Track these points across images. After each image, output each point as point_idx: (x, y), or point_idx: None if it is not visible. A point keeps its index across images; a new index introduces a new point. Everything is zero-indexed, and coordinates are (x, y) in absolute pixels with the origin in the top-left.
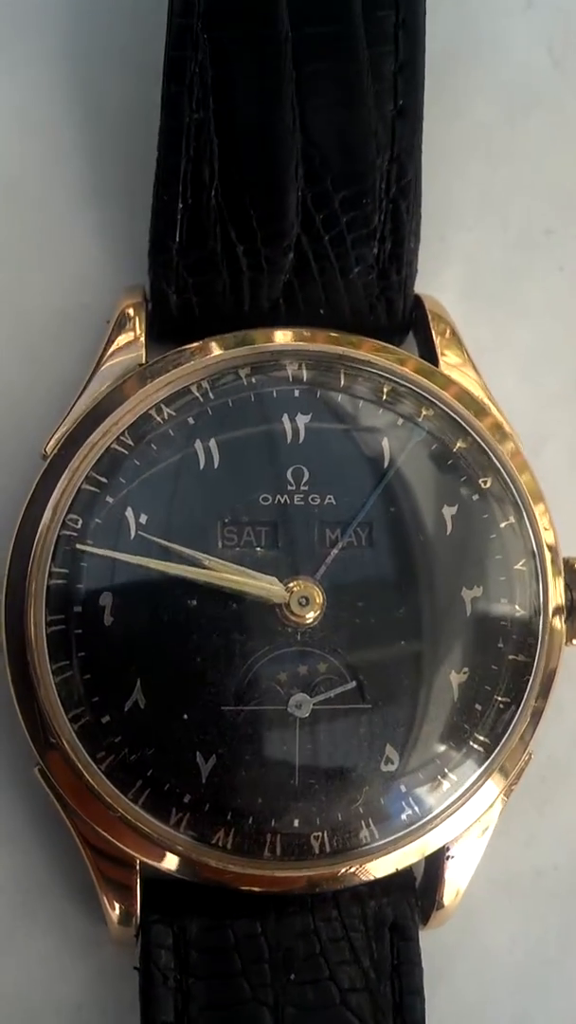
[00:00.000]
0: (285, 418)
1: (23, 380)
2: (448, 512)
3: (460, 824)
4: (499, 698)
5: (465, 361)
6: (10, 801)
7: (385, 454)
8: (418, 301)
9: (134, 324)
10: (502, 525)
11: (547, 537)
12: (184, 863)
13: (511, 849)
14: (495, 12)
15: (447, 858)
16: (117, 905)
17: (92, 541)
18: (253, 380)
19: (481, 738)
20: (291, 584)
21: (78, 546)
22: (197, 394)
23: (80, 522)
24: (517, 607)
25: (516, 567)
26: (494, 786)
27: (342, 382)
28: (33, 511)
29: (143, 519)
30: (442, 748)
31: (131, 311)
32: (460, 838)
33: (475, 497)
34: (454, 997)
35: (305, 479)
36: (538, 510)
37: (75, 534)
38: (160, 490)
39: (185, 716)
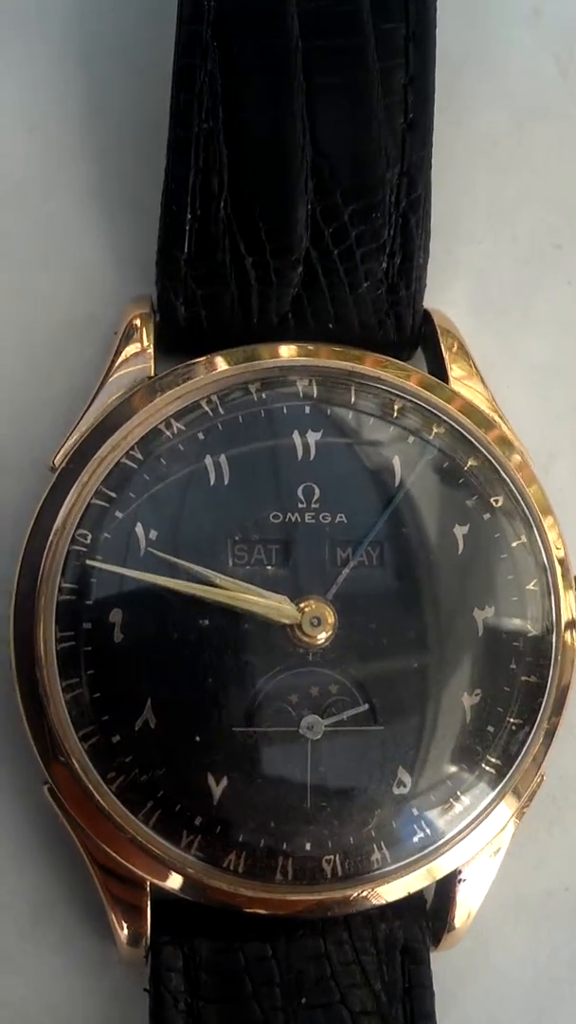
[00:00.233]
0: (295, 435)
1: (28, 389)
2: (459, 531)
3: (472, 847)
4: (511, 720)
5: (473, 375)
6: (19, 820)
7: (396, 472)
8: (427, 316)
9: (141, 335)
10: (514, 544)
11: (557, 553)
12: (194, 886)
13: (521, 870)
14: (502, 22)
15: (459, 881)
16: (126, 926)
17: (101, 556)
18: (263, 396)
19: (493, 760)
20: (303, 604)
21: (88, 562)
22: (207, 409)
23: (89, 537)
24: (529, 627)
25: (528, 587)
26: (506, 808)
27: (352, 399)
28: (42, 525)
29: (153, 535)
30: (454, 770)
31: (138, 322)
32: (472, 861)
33: (486, 516)
34: (465, 1019)
35: (316, 497)
36: (547, 524)
37: (84, 549)
38: (170, 506)
39: (196, 737)
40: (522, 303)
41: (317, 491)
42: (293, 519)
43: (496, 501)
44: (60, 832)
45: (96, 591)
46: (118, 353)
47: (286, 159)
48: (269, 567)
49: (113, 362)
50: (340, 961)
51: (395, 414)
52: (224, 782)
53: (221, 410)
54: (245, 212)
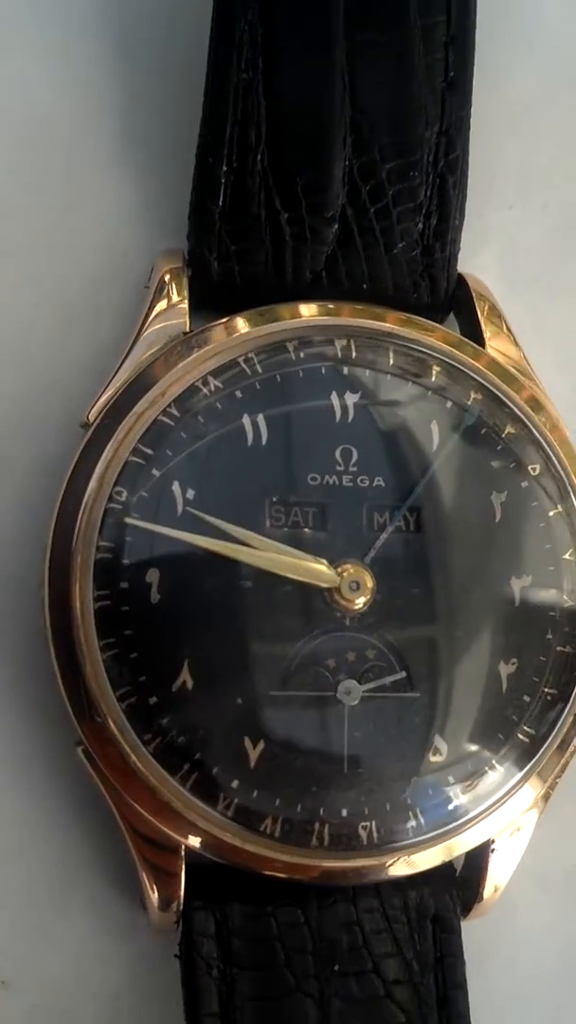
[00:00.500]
0: (334, 396)
1: (56, 344)
2: (497, 499)
3: (506, 816)
4: (546, 690)
5: (506, 335)
6: (48, 784)
7: (434, 437)
8: (461, 280)
9: (177, 290)
10: (551, 514)
11: None
12: (231, 850)
13: (546, 842)
14: None
15: (492, 850)
16: (158, 890)
17: (138, 514)
18: (301, 355)
19: (528, 730)
20: (341, 568)
21: (126, 520)
22: (245, 367)
23: (125, 495)
24: (566, 597)
25: (565, 556)
26: (540, 779)
27: (391, 361)
28: (76, 482)
29: (190, 494)
30: (490, 739)
31: (171, 276)
32: (504, 830)
33: (524, 484)
34: (489, 990)
35: (354, 459)
36: None
37: (120, 507)
38: (208, 465)
39: (232, 700)
40: (552, 271)
41: (355, 453)
42: (331, 481)
43: (534, 469)
44: (89, 796)
45: (133, 550)
46: (151, 308)
47: (325, 113)
48: (306, 529)
49: (147, 316)
50: (372, 929)
51: (433, 377)
52: (261, 745)
53: (259, 368)
54: (282, 166)
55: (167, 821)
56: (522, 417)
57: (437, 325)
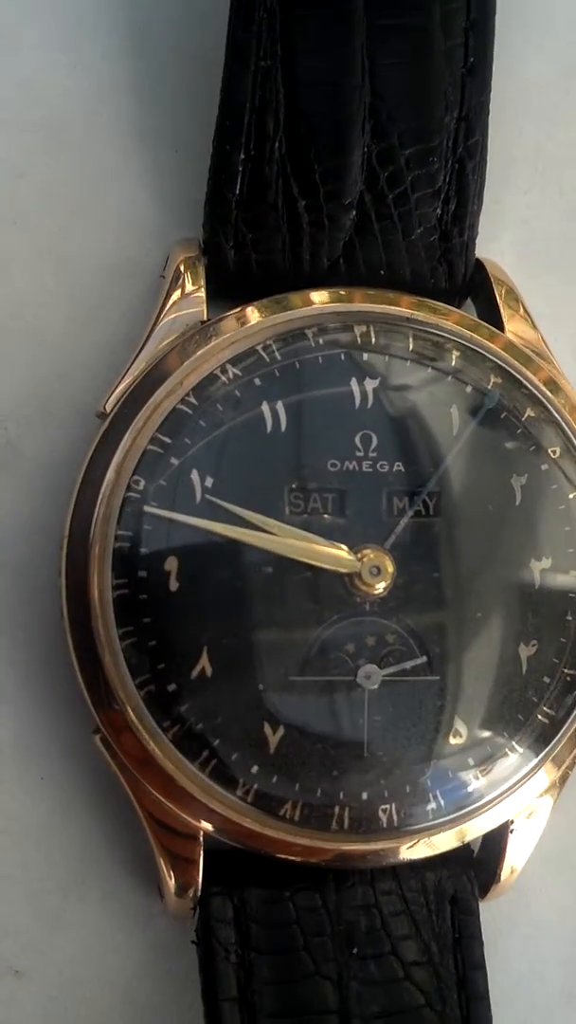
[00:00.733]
0: (353, 382)
1: (71, 333)
2: (517, 482)
3: (524, 799)
4: (567, 671)
5: (523, 318)
6: (65, 773)
7: (454, 422)
8: (479, 265)
9: (194, 278)
10: (571, 496)
11: None
12: (250, 835)
13: (562, 822)
14: None
15: (511, 831)
16: (175, 877)
17: (156, 503)
18: (320, 341)
19: (548, 711)
20: (361, 553)
21: (145, 508)
22: (263, 354)
23: (143, 483)
24: None
25: None
26: (555, 764)
27: (410, 346)
28: (93, 471)
29: (209, 482)
30: (510, 721)
31: (186, 265)
32: (523, 811)
33: (544, 467)
34: (505, 969)
35: (373, 445)
36: None
37: (139, 496)
38: (226, 452)
39: (252, 686)
40: (569, 256)
41: (375, 439)
42: (351, 467)
43: (554, 451)
44: (106, 785)
45: (151, 539)
46: (168, 297)
47: (344, 100)
48: (326, 516)
49: (163, 306)
50: (390, 912)
51: (452, 361)
52: (281, 731)
53: (278, 356)
54: (300, 153)
55: (186, 808)
56: (541, 399)
57: (453, 308)
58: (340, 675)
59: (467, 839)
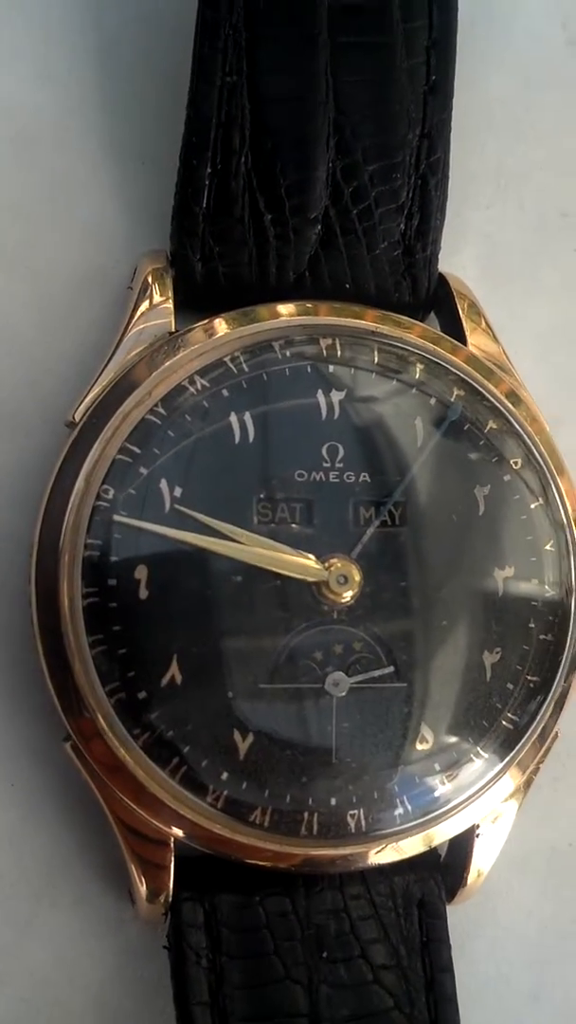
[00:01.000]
0: (320, 394)
1: (39, 344)
2: (480, 492)
3: (489, 803)
4: (529, 678)
5: (485, 331)
6: (35, 780)
7: (419, 433)
8: (442, 280)
9: (161, 290)
10: (532, 506)
11: (574, 513)
12: (221, 841)
13: (527, 826)
14: None
15: (476, 835)
16: (146, 883)
17: (125, 512)
18: (287, 353)
19: (512, 716)
20: (328, 562)
21: (114, 517)
22: (231, 366)
23: (112, 493)
24: (547, 587)
25: (546, 547)
26: (519, 769)
27: (375, 359)
28: (63, 481)
29: (178, 491)
30: (475, 727)
31: (154, 276)
32: (488, 815)
33: (507, 477)
34: (472, 972)
35: (340, 456)
36: (563, 482)
37: (108, 505)
38: (195, 462)
39: (221, 693)
40: (530, 270)
41: (341, 450)
42: (318, 478)
43: (515, 463)
44: (76, 792)
45: (120, 547)
46: (136, 308)
47: (308, 116)
48: (294, 525)
49: (131, 317)
50: (359, 916)
51: (416, 374)
52: (250, 738)
53: (245, 367)
54: (265, 168)
55: (156, 814)
56: (503, 411)
57: (416, 322)
58: (308, 683)
59: (434, 844)
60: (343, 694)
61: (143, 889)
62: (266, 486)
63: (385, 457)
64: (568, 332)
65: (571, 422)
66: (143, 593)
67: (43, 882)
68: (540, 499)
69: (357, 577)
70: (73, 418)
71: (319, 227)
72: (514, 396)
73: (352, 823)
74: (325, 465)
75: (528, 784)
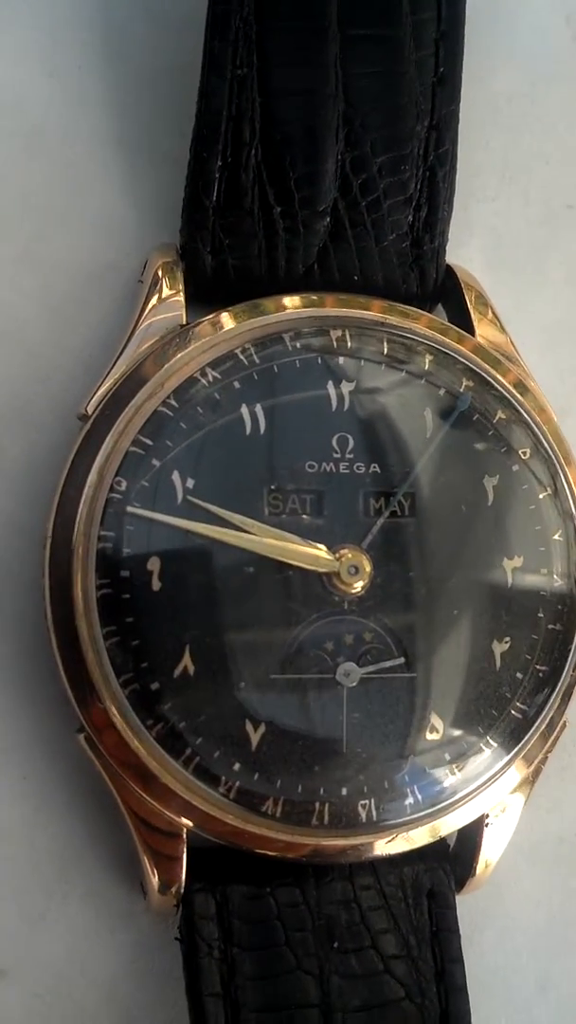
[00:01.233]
0: (330, 385)
1: (50, 338)
2: (489, 483)
3: (499, 793)
4: (539, 667)
5: (492, 322)
6: (48, 772)
7: (428, 424)
8: (450, 271)
9: (172, 283)
10: (541, 496)
11: None
12: (232, 832)
13: (534, 819)
14: None
15: (486, 824)
16: (159, 874)
17: (138, 504)
18: (297, 345)
19: (521, 706)
20: (339, 553)
21: (128, 509)
22: (242, 358)
23: (125, 484)
24: (556, 577)
25: (554, 537)
26: (532, 754)
27: (384, 350)
28: (76, 473)
29: (190, 483)
30: (485, 716)
31: (164, 270)
32: (496, 807)
33: (515, 467)
34: (481, 962)
35: (350, 447)
36: (571, 472)
37: (120, 496)
38: (207, 454)
39: (234, 684)
40: (535, 262)
41: (351, 441)
42: (328, 469)
43: (524, 452)
44: (88, 784)
45: (133, 539)
46: (146, 301)
47: (318, 108)
48: (304, 516)
49: (142, 310)
50: (369, 906)
51: (425, 365)
52: (262, 728)
53: (256, 359)
54: (275, 161)
55: (169, 805)
56: (512, 401)
57: (422, 312)
58: (319, 673)
59: (440, 834)
60: (354, 684)
61: (155, 881)
62: (277, 477)
63: (395, 448)
64: (573, 324)
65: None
66: (156, 585)
67: (56, 875)
68: (548, 489)
69: (368, 567)
70: (86, 411)
71: (328, 219)
72: (521, 386)
73: (363, 813)
74: (335, 456)
75: (536, 775)
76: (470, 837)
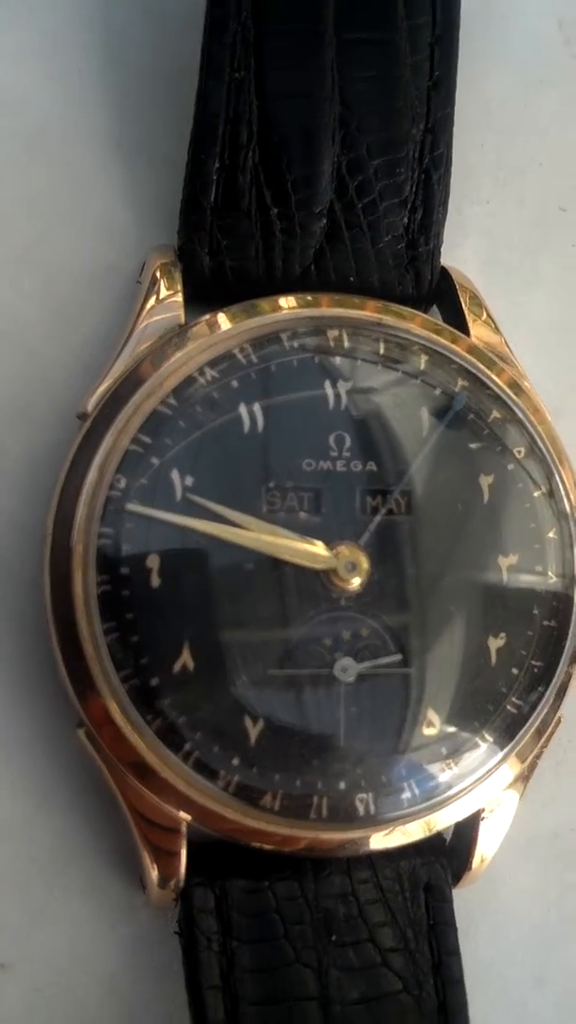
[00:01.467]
0: (327, 384)
1: (49, 338)
2: (485, 481)
3: (493, 789)
4: (534, 663)
5: (486, 323)
6: (48, 768)
7: (424, 423)
8: (445, 273)
9: (170, 284)
10: (535, 495)
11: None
12: (232, 826)
13: (529, 810)
14: None
15: (482, 818)
16: (158, 869)
17: (138, 501)
18: (295, 345)
19: (516, 701)
20: (336, 550)
21: (127, 506)
22: (240, 357)
23: (124, 482)
24: (550, 575)
25: (549, 535)
26: (528, 749)
27: (381, 350)
28: (76, 471)
29: (188, 481)
30: (480, 711)
31: (162, 271)
32: (491, 803)
33: (510, 466)
34: (477, 956)
35: (347, 445)
36: (565, 472)
37: (120, 494)
38: (205, 452)
39: (233, 679)
40: (529, 264)
41: (348, 439)
42: (325, 467)
43: (519, 451)
44: (88, 780)
45: (133, 536)
46: (144, 301)
47: (315, 111)
48: (302, 513)
49: (140, 310)
50: (367, 899)
51: (421, 365)
52: (260, 724)
53: (254, 359)
54: (272, 163)
55: (168, 799)
56: (506, 401)
57: (417, 312)
58: (317, 669)
59: (435, 829)
60: (352, 680)
61: (155, 875)
62: (275, 475)
63: (391, 446)
64: (566, 326)
65: (569, 415)
66: (155, 582)
67: (56, 870)
68: (543, 488)
69: (365, 564)
70: (86, 409)
71: (324, 221)
72: (516, 386)
73: (361, 807)
74: (332, 454)
75: (531, 770)
76: (466, 832)
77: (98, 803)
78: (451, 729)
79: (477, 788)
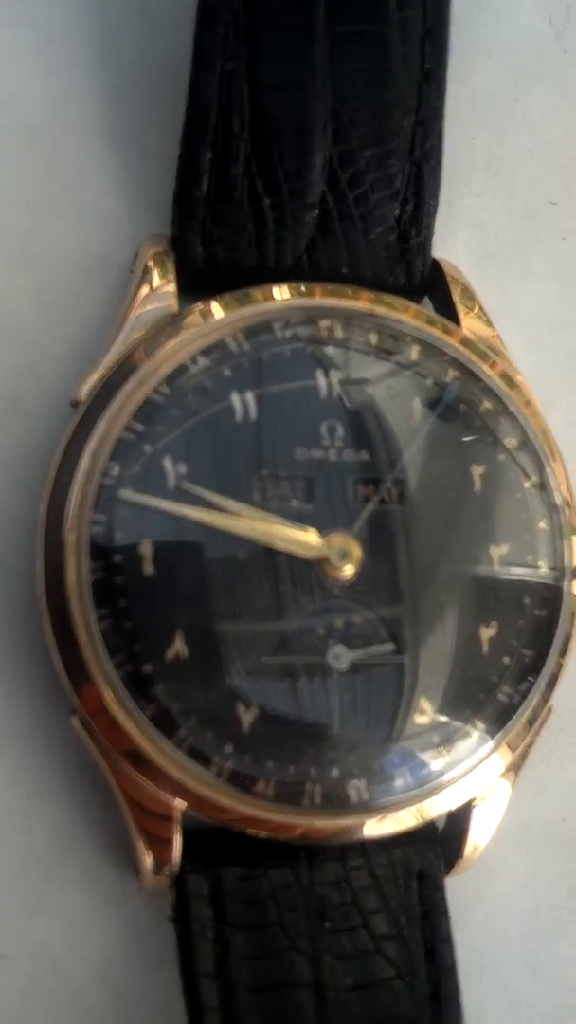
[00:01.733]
0: (319, 374)
1: (42, 329)
2: (476, 470)
3: (488, 774)
4: (524, 652)
5: (478, 315)
6: (41, 756)
7: (416, 413)
8: (436, 265)
9: (163, 273)
10: (526, 485)
11: (565, 495)
12: (225, 812)
13: (522, 803)
14: None
15: (474, 806)
16: (152, 856)
17: (130, 489)
18: (287, 334)
19: (508, 690)
20: (329, 538)
21: (120, 494)
22: (233, 346)
23: (117, 470)
24: (541, 564)
25: (539, 525)
26: (519, 738)
27: (373, 340)
28: (69, 459)
29: (182, 468)
30: (472, 699)
31: (155, 261)
32: (484, 791)
33: (501, 457)
34: (469, 944)
35: (339, 434)
36: (555, 464)
37: (113, 482)
38: (198, 440)
39: (226, 667)
40: (519, 257)
41: (340, 429)
42: (317, 456)
43: (510, 443)
44: (82, 767)
45: (126, 524)
46: (137, 291)
47: (306, 103)
48: (294, 502)
49: (133, 300)
50: (360, 887)
51: (413, 355)
52: (253, 711)
53: (246, 348)
54: (264, 153)
55: (162, 786)
56: (498, 393)
57: (408, 303)
58: (310, 656)
59: (432, 816)
60: (344, 667)
61: (149, 862)
62: (267, 464)
63: (383, 436)
64: (556, 319)
65: (560, 407)
66: (148, 569)
67: (52, 859)
68: (534, 479)
69: (357, 552)
70: (78, 397)
71: (316, 211)
72: (508, 378)
73: (354, 794)
74: (324, 443)
75: (522, 759)
76: (459, 820)
77: (94, 792)
78: (443, 718)
79: (469, 776)
